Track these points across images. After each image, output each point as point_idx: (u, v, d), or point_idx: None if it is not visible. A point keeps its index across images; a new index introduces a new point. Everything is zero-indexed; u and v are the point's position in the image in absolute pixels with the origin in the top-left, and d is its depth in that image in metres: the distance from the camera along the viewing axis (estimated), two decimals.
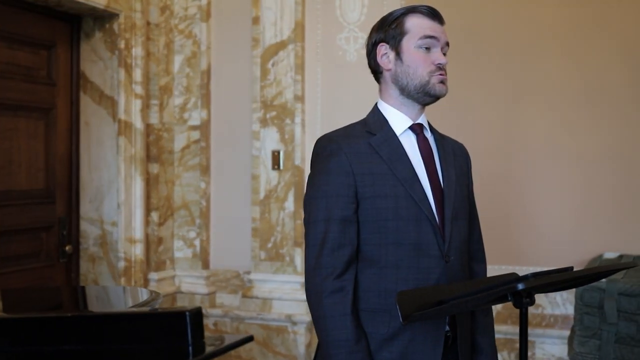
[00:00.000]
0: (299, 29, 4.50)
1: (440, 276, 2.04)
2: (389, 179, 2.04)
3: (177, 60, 4.73)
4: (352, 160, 2.05)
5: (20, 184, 4.01)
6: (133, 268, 4.34)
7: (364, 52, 4.36)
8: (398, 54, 2.11)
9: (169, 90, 4.70)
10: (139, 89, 4.37)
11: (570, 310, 4.13)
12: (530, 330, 4.12)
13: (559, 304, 4.16)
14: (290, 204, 4.49)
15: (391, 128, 2.13)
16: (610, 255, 3.98)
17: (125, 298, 3.47)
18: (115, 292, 3.66)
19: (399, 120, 2.14)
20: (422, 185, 2.07)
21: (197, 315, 1.16)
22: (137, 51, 4.36)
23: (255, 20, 4.57)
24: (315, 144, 2.16)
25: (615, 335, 3.28)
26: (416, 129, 2.15)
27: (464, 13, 4.28)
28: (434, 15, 2.12)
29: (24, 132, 4.03)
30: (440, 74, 2.09)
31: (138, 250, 4.37)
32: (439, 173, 2.13)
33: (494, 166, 4.26)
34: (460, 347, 2.10)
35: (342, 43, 4.49)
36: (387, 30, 2.13)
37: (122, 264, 4.29)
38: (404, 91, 2.13)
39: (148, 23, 4.49)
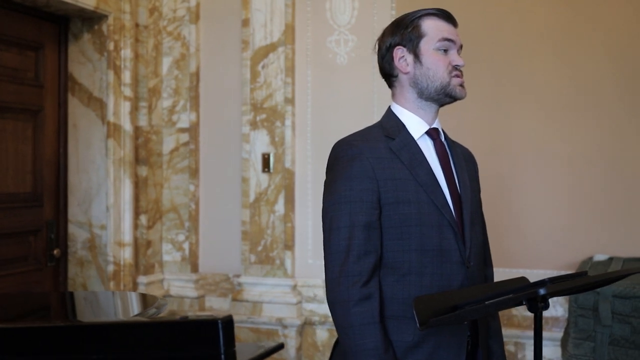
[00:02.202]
0: (289, 31, 4.49)
1: (463, 282, 2.03)
2: (411, 185, 2.02)
3: (166, 62, 4.70)
4: (374, 165, 2.02)
5: (7, 187, 3.96)
6: (122, 272, 4.30)
7: (354, 54, 4.42)
8: (417, 57, 2.10)
9: (158, 92, 4.66)
10: (128, 91, 4.33)
11: (560, 312, 4.16)
12: (520, 333, 4.15)
13: (549, 306, 4.18)
14: (280, 207, 4.48)
15: (409, 132, 2.11)
16: (600, 257, 4.01)
17: (114, 302, 3.43)
18: (105, 297, 3.63)
19: (416, 124, 2.13)
20: (442, 191, 2.06)
21: (228, 323, 1.15)
22: (126, 53, 4.32)
23: (245, 23, 4.55)
24: (334, 148, 2.12)
25: (609, 337, 3.30)
26: (432, 133, 2.14)
27: (454, 15, 4.28)
28: (448, 17, 2.14)
29: (11, 134, 3.97)
30: (458, 76, 2.10)
31: (127, 254, 4.33)
32: (455, 178, 2.13)
33: (484, 168, 4.26)
34: (483, 350, 2.10)
35: (333, 46, 4.49)
36: (404, 33, 2.11)
37: (111, 268, 4.25)
38: (423, 94, 2.12)
39: (137, 25, 4.45)
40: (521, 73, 4.23)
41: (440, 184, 2.07)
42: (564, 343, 3.72)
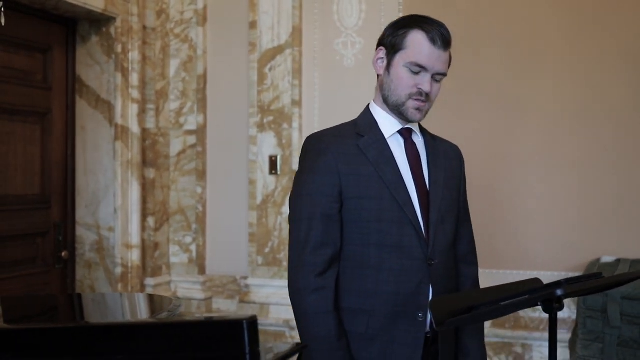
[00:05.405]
0: (297, 33, 4.50)
1: (423, 279, 2.08)
2: (375, 181, 2.08)
3: (173, 65, 4.70)
4: (339, 160, 2.08)
5: (15, 189, 3.97)
6: (130, 274, 4.31)
7: (361, 57, 4.43)
8: (389, 65, 2.14)
9: (165, 94, 4.67)
10: (135, 94, 4.34)
11: (567, 313, 4.15)
12: (527, 334, 4.15)
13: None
14: (287, 209, 4.47)
15: (380, 130, 2.16)
16: (607, 259, 4.01)
17: (122, 304, 3.44)
18: (113, 299, 3.63)
19: (388, 123, 2.17)
20: (407, 189, 2.10)
21: (253, 323, 1.15)
22: (134, 55, 4.33)
23: (253, 25, 4.56)
24: (305, 142, 2.20)
25: (618, 339, 3.31)
26: (404, 133, 2.18)
27: (461, 19, 4.30)
28: (436, 41, 2.08)
29: (20, 136, 3.98)
30: (418, 99, 2.10)
31: (135, 256, 4.34)
32: (426, 177, 2.16)
33: (492, 171, 4.28)
34: (442, 349, 2.13)
35: (340, 48, 4.50)
36: (392, 35, 2.13)
37: (119, 270, 4.25)
38: (385, 102, 2.17)
39: (144, 27, 4.46)
40: (530, 76, 4.24)
41: (406, 182, 2.11)
42: (572, 344, 3.72)
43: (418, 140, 2.21)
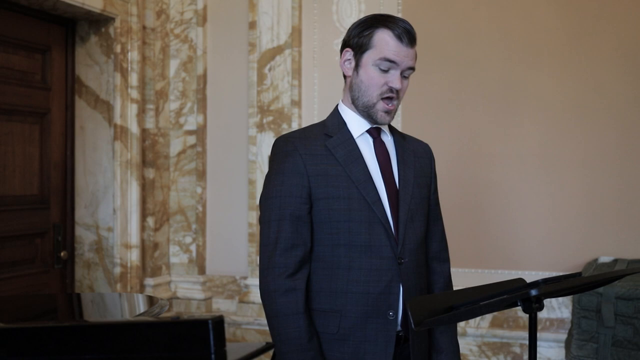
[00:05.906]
0: (296, 33, 4.51)
1: (393, 277, 2.08)
2: (343, 181, 2.08)
3: (173, 65, 4.72)
4: (306, 161, 2.08)
5: (14, 189, 3.98)
6: (129, 274, 4.32)
7: None
8: (357, 66, 2.13)
9: (165, 94, 4.68)
10: (135, 94, 4.35)
11: (565, 314, 4.15)
12: (525, 334, 4.13)
13: (554, 308, 4.17)
14: None
15: (349, 130, 2.16)
16: (604, 259, 3.99)
17: (121, 304, 3.45)
18: (111, 299, 3.64)
19: (357, 123, 2.17)
20: (376, 188, 2.10)
21: (219, 323, 1.16)
22: (133, 55, 4.34)
23: (252, 25, 4.57)
24: (273, 144, 2.20)
25: (612, 339, 3.29)
26: (373, 132, 2.18)
27: (461, 18, 4.29)
28: (402, 38, 2.08)
29: (18, 136, 4.00)
30: (388, 99, 2.10)
31: (134, 256, 4.35)
32: (395, 176, 2.17)
33: (491, 170, 4.27)
34: (413, 347, 2.12)
35: (339, 48, 4.49)
36: (358, 36, 2.12)
37: (117, 270, 4.27)
38: (354, 102, 2.16)
39: (144, 27, 4.48)
40: (528, 75, 4.22)
41: (375, 181, 2.11)
42: (567, 344, 3.71)
43: (387, 139, 2.22)
